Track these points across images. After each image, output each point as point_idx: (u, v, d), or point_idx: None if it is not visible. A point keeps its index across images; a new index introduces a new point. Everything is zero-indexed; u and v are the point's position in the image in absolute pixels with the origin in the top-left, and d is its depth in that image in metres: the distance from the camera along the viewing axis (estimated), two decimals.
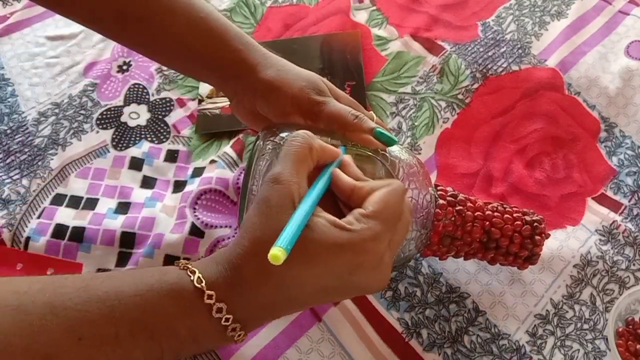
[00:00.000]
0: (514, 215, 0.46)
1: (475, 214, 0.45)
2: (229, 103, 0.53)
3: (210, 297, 0.33)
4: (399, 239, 0.36)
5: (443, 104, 0.63)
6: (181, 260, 0.35)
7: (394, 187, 0.36)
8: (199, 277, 0.33)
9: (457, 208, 0.45)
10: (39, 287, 0.32)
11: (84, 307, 0.31)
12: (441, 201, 0.45)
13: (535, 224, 0.46)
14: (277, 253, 0.29)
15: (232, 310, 0.33)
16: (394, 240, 0.35)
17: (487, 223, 0.45)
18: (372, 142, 0.42)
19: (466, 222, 0.45)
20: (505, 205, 0.47)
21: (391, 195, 0.35)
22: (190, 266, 0.34)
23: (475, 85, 0.64)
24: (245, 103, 0.48)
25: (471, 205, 0.46)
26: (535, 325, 0.49)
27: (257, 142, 0.43)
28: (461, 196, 0.46)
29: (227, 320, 0.33)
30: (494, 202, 0.47)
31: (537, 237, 0.45)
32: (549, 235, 0.47)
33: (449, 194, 0.46)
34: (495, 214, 0.46)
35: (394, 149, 0.43)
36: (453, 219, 0.44)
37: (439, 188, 0.46)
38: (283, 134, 0.43)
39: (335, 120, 0.43)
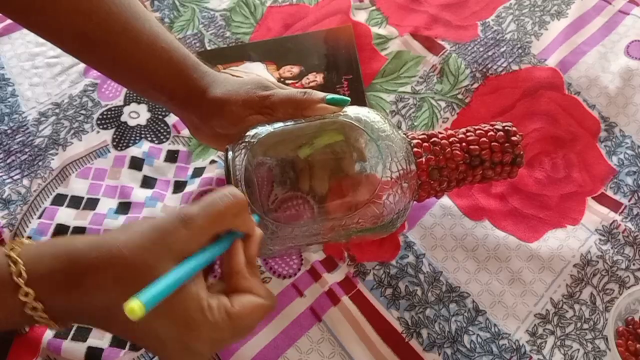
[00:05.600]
0: (485, 129, 0.48)
1: (450, 139, 0.48)
2: None
3: (27, 294, 0.31)
4: (228, 344, 0.35)
5: (443, 104, 0.63)
6: (14, 241, 0.33)
7: (266, 305, 0.35)
8: (20, 270, 0.31)
9: (431, 140, 0.47)
10: None
11: None
12: (415, 141, 0.47)
13: (507, 127, 0.48)
14: (135, 307, 0.27)
15: (48, 311, 0.31)
16: (226, 342, 0.35)
17: (464, 144, 0.47)
18: (327, 109, 0.44)
19: (444, 149, 0.47)
20: (470, 127, 0.49)
21: (258, 310, 0.34)
22: (14, 253, 0.32)
23: (475, 85, 0.64)
24: (204, 128, 0.49)
25: (442, 134, 0.48)
26: (535, 324, 0.49)
27: (228, 152, 0.43)
28: (428, 132, 0.48)
29: (38, 316, 0.31)
30: (460, 129, 0.49)
31: (514, 139, 0.48)
32: (523, 134, 0.49)
33: (419, 135, 0.48)
34: (468, 134, 0.48)
35: (349, 111, 0.45)
36: (432, 151, 0.47)
37: (407, 134, 0.48)
38: (251, 132, 0.44)
39: (288, 104, 0.45)
